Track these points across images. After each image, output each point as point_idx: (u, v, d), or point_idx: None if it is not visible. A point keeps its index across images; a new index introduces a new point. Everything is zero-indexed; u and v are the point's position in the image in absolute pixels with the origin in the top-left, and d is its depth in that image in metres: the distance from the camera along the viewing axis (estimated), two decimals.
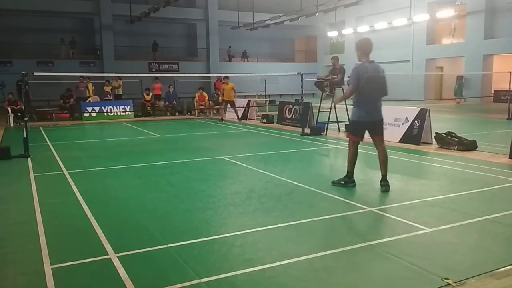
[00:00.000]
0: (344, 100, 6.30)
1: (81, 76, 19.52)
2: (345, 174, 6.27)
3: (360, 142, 6.23)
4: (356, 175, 7.09)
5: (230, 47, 37.37)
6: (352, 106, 6.11)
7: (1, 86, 23.40)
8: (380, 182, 6.02)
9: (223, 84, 16.80)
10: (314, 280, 3.31)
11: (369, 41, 6.03)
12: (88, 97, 19.26)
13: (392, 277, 3.37)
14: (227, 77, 16.89)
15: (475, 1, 27.05)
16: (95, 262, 3.66)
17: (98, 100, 19.29)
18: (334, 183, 6.30)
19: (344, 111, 12.44)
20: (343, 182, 6.23)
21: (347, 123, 12.36)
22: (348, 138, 6.24)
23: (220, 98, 17.46)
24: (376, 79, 5.82)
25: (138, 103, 20.19)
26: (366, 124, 5.98)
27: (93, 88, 20.29)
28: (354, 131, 6.17)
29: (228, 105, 17.13)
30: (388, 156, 8.53)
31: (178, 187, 6.46)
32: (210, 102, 20.47)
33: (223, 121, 16.53)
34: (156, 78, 22.17)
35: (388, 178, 6.88)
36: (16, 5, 28.52)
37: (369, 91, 5.80)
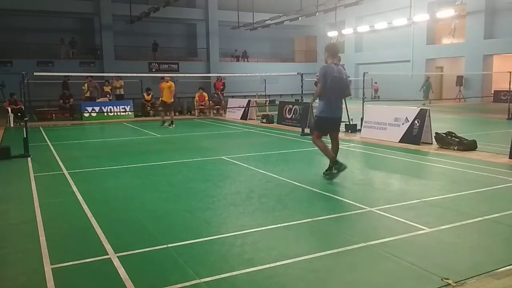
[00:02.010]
0: (317, 98, 6.76)
1: (90, 76, 19.48)
2: (329, 165, 6.64)
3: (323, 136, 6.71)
4: (356, 175, 7.12)
5: (245, 51, 37.98)
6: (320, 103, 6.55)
7: (1, 86, 23.41)
8: (327, 170, 6.64)
9: (161, 84, 14.98)
10: (314, 280, 3.31)
11: (337, 45, 6.69)
12: (95, 97, 19.18)
13: (392, 277, 3.37)
14: (168, 76, 15.16)
15: (475, 1, 27.06)
16: (95, 262, 3.66)
17: (107, 100, 19.22)
18: (327, 174, 6.64)
19: (344, 111, 12.45)
20: (335, 171, 6.50)
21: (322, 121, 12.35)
22: (313, 136, 6.83)
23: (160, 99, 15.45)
24: (340, 80, 6.40)
25: (138, 103, 20.19)
26: (330, 120, 6.52)
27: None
28: (320, 127, 6.61)
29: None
30: (389, 156, 8.61)
31: (178, 187, 6.46)
32: (210, 102, 20.48)
33: (164, 124, 14.84)
34: (162, 78, 22.07)
35: (388, 178, 6.93)
36: (16, 5, 28.54)
37: (333, 90, 6.35)
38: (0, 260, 3.82)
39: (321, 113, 6.47)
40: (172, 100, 14.82)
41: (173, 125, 14.67)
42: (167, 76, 14.99)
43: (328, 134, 6.71)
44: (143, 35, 34.67)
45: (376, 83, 31.32)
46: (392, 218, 4.71)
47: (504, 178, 6.52)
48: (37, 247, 4.00)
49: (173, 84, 14.78)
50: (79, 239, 4.27)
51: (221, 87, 22.82)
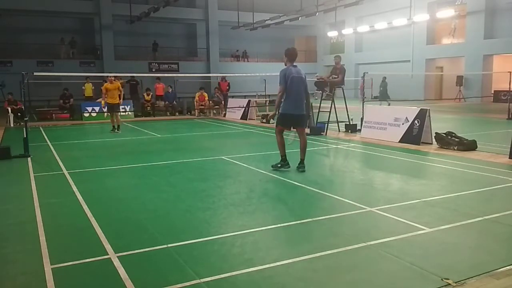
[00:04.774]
0: (279, 103, 7.24)
1: (115, 77, 19.60)
2: (280, 159, 7.26)
3: (285, 130, 7.42)
4: (356, 175, 7.13)
5: (245, 51, 38.12)
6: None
7: (1, 86, 23.42)
8: (299, 164, 7.18)
9: (106, 85, 13.57)
10: (314, 280, 3.31)
11: (295, 50, 7.28)
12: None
13: (392, 277, 3.37)
14: (116, 77, 13.89)
15: (475, 1, 27.06)
16: (95, 262, 3.66)
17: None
18: (273, 167, 7.26)
19: (344, 111, 12.46)
20: (279, 166, 7.22)
21: (350, 121, 12.37)
22: (276, 128, 7.35)
23: (102, 100, 14.16)
24: (298, 80, 7.02)
25: (138, 103, 20.19)
26: (292, 117, 7.11)
27: (93, 88, 20.32)
28: (283, 122, 7.25)
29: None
30: (389, 156, 8.60)
31: (178, 187, 6.46)
32: (210, 102, 20.49)
33: (116, 130, 13.43)
34: (157, 78, 22.10)
35: (388, 178, 6.93)
36: (16, 5, 28.53)
37: (293, 89, 6.97)
38: (0, 260, 3.82)
39: (283, 110, 7.13)
40: (119, 102, 13.53)
41: (120, 130, 13.52)
42: (110, 76, 13.73)
43: (296, 129, 7.41)
44: (143, 35, 34.67)
45: (362, 77, 26.90)
46: (392, 218, 4.71)
47: (504, 178, 6.52)
48: (37, 247, 4.00)
49: (120, 84, 13.65)
50: (79, 239, 4.27)
51: (227, 88, 22.82)
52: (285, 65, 7.16)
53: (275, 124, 7.52)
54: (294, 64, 7.12)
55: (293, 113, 7.09)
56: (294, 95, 7.02)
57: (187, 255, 3.77)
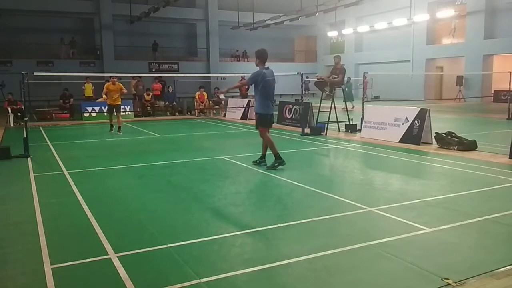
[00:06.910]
0: (235, 88, 8.12)
1: (138, 76, 20.62)
2: (274, 158, 7.38)
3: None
4: (356, 175, 7.13)
5: (245, 51, 38.12)
6: (257, 103, 7.46)
7: (1, 86, 23.43)
8: (261, 159, 7.64)
9: (108, 85, 13.23)
10: (314, 280, 3.31)
11: (266, 51, 7.51)
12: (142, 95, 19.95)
13: (392, 277, 3.37)
14: (114, 77, 13.37)
15: (475, 1, 27.04)
16: (95, 262, 3.66)
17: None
18: (269, 168, 7.32)
19: (344, 112, 12.46)
20: (276, 164, 7.29)
21: (349, 122, 12.38)
22: (260, 131, 7.55)
23: (104, 97, 13.78)
24: (272, 82, 7.40)
25: (138, 103, 20.18)
26: (271, 116, 7.58)
27: (93, 88, 20.31)
28: (266, 123, 7.51)
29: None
30: (389, 156, 8.60)
31: (178, 187, 6.46)
32: (210, 102, 20.49)
33: (117, 132, 13.18)
34: (156, 78, 22.12)
35: (388, 178, 6.93)
36: (16, 5, 28.52)
37: (269, 91, 7.35)
38: (0, 260, 3.82)
39: (264, 111, 7.39)
40: (120, 102, 13.27)
41: (121, 132, 13.23)
42: (113, 77, 13.38)
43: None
44: (143, 35, 34.65)
45: (365, 77, 23.83)
46: (392, 218, 4.71)
47: (504, 178, 6.52)
48: (37, 247, 4.00)
49: (121, 85, 13.30)
50: (79, 239, 4.27)
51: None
52: (256, 65, 7.41)
53: (255, 126, 7.69)
54: (266, 66, 7.39)
55: (270, 113, 7.54)
56: (269, 96, 7.38)
57: (187, 255, 3.77)
